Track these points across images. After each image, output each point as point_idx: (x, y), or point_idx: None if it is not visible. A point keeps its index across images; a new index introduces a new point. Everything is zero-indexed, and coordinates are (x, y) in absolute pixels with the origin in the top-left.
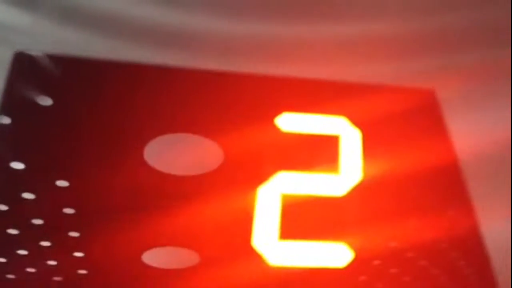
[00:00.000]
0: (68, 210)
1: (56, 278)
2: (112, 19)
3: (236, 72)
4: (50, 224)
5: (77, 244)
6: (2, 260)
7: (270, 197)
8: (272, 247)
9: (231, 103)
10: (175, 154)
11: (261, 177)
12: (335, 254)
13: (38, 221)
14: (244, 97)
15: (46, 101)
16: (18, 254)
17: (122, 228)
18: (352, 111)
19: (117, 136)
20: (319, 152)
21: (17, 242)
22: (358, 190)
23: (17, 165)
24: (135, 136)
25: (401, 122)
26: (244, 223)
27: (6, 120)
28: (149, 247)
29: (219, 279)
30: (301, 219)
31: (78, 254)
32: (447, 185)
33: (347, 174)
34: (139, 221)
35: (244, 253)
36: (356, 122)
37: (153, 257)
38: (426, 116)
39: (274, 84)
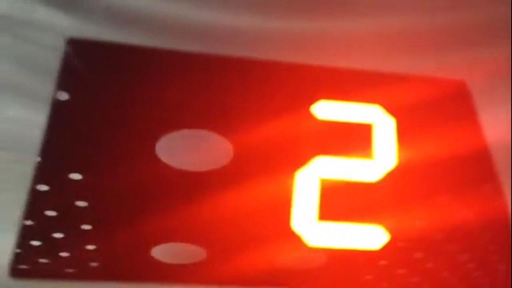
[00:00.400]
0: (81, 203)
1: (68, 270)
2: (148, 19)
3: (272, 60)
4: (62, 216)
5: (89, 237)
6: (16, 250)
7: (308, 181)
8: (311, 228)
9: (267, 91)
10: (189, 149)
11: (299, 162)
12: (371, 236)
13: (51, 213)
14: (279, 85)
15: (60, 95)
16: (31, 245)
17: (134, 222)
18: (386, 100)
19: (130, 130)
20: (354, 139)
21: (30, 233)
22: (393, 176)
23: None
24: (147, 131)
25: (433, 110)
26: (283, 206)
27: None
28: (160, 242)
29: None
30: (338, 202)
31: (90, 247)
32: (479, 171)
33: (381, 160)
34: (150, 216)
35: (284, 234)
36: (390, 111)
37: (163, 253)
38: (457, 105)
39: (310, 73)
